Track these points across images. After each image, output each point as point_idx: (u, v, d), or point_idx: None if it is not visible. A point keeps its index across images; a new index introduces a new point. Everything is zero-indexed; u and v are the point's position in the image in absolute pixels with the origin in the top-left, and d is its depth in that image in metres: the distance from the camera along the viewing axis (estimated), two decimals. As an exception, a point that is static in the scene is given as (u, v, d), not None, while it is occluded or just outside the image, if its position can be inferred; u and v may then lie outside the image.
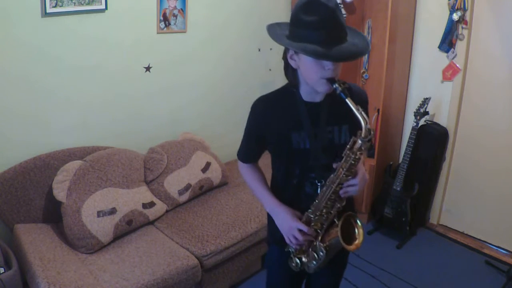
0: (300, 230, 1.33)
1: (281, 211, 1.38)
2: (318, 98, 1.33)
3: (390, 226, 3.02)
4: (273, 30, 1.28)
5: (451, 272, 2.67)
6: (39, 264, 1.84)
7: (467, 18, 2.72)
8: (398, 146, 3.34)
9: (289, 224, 1.35)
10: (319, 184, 1.36)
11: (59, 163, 2.24)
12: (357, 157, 1.22)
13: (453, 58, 2.86)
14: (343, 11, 3.04)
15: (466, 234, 3.05)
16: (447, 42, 2.85)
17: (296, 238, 1.35)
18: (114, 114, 2.58)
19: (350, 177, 1.27)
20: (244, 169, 1.54)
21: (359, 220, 1.35)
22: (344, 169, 1.25)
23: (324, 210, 1.32)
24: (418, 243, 3.00)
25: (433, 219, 3.22)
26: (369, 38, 3.22)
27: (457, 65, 2.85)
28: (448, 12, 2.78)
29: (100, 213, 2.13)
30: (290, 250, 1.45)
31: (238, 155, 1.53)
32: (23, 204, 2.15)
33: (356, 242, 1.32)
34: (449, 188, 3.12)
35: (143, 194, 2.38)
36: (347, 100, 1.18)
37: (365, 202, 3.18)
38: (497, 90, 2.74)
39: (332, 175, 1.28)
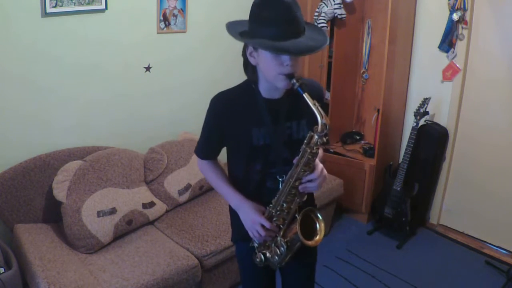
0: (263, 226, 1.33)
1: (245, 206, 1.39)
2: (277, 95, 1.35)
3: (390, 226, 3.02)
4: (233, 27, 1.31)
5: (451, 272, 2.67)
6: (39, 264, 1.84)
7: (467, 18, 2.72)
8: (398, 146, 3.34)
9: (252, 218, 1.36)
10: (280, 179, 1.36)
11: (59, 163, 2.24)
12: (314, 151, 1.24)
13: (453, 58, 2.86)
14: (343, 11, 3.04)
15: (466, 234, 3.05)
16: (447, 42, 2.85)
17: (258, 233, 1.35)
18: (114, 114, 2.58)
19: (307, 172, 1.28)
20: (204, 166, 1.52)
21: (320, 215, 1.36)
22: (302, 164, 1.26)
23: (285, 205, 1.32)
24: (418, 243, 3.00)
25: (433, 219, 3.22)
26: (369, 38, 3.22)
27: (457, 65, 2.85)
28: (448, 12, 2.78)
29: (100, 213, 2.13)
30: (254, 245, 1.45)
31: (196, 152, 1.51)
32: (23, 204, 2.15)
33: (316, 238, 1.33)
34: (449, 188, 3.12)
35: (143, 194, 2.38)
36: (304, 95, 1.19)
37: (365, 202, 3.18)
38: (497, 90, 2.74)
39: (290, 170, 1.29)
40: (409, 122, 3.15)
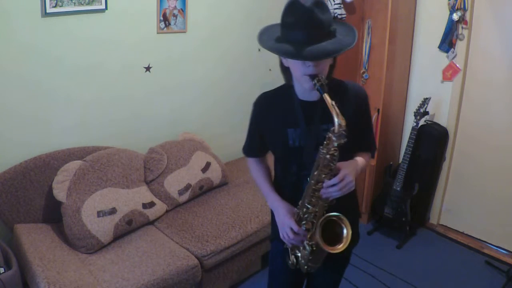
0: (292, 229, 1.34)
1: (280, 206, 1.40)
2: (313, 97, 1.35)
3: (390, 226, 3.02)
4: (270, 31, 1.32)
5: (451, 272, 2.67)
6: (39, 264, 1.84)
7: (467, 18, 2.72)
8: (398, 146, 3.34)
9: (283, 221, 1.37)
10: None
11: (59, 163, 2.24)
12: (331, 153, 1.22)
13: (453, 58, 2.86)
14: (343, 11, 3.04)
15: (466, 234, 3.05)
16: (447, 42, 2.85)
17: (288, 235, 1.35)
18: (114, 114, 2.58)
19: (329, 175, 1.25)
20: (249, 162, 1.58)
21: (347, 223, 1.30)
22: (321, 166, 1.25)
23: (310, 208, 1.31)
24: (418, 243, 3.00)
25: (433, 219, 3.22)
26: (369, 38, 3.22)
27: (457, 65, 2.85)
28: (448, 12, 2.79)
29: (100, 213, 2.13)
30: (287, 247, 1.46)
31: (243, 149, 1.57)
32: (23, 204, 2.15)
33: (339, 246, 1.29)
34: (449, 188, 3.12)
35: (143, 194, 2.38)
36: (324, 95, 1.19)
37: (365, 202, 3.18)
38: (497, 90, 2.74)
39: (311, 172, 1.28)
40: (409, 122, 3.15)
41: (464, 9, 2.70)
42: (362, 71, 3.33)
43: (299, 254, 1.42)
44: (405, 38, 3.01)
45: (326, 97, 1.19)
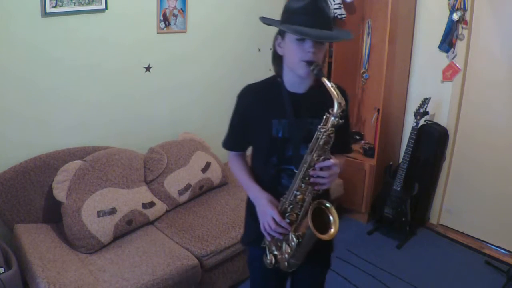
0: (274, 220, 1.33)
1: (262, 197, 1.39)
2: (301, 90, 1.37)
3: (390, 226, 3.02)
4: (267, 18, 1.38)
5: (451, 272, 2.67)
6: (39, 264, 1.84)
7: (467, 18, 2.72)
8: (398, 146, 3.34)
9: (265, 210, 1.36)
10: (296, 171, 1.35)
11: (59, 163, 2.24)
12: (329, 132, 1.23)
13: (453, 58, 2.86)
14: (343, 11, 3.04)
15: (466, 234, 3.05)
16: (447, 42, 2.85)
17: (269, 226, 1.34)
18: (114, 114, 2.58)
19: (322, 157, 1.26)
20: (230, 157, 1.57)
21: (332, 207, 1.31)
22: (316, 149, 1.25)
23: (298, 196, 1.30)
24: (418, 243, 3.00)
25: (433, 219, 3.22)
26: (369, 38, 3.22)
27: (457, 65, 2.85)
28: (448, 12, 2.79)
29: (100, 213, 2.13)
30: (265, 245, 1.44)
31: (223, 143, 1.55)
32: (23, 204, 2.15)
33: (331, 231, 1.28)
34: (449, 188, 3.12)
35: (143, 194, 2.38)
36: (323, 79, 1.23)
37: (365, 202, 3.18)
38: (497, 90, 2.74)
39: (305, 156, 1.28)
40: (409, 122, 3.15)
41: (464, 9, 2.70)
42: (362, 71, 3.33)
43: (276, 253, 1.41)
44: (405, 38, 3.02)
45: (325, 80, 1.23)
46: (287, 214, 1.34)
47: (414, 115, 2.84)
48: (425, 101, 2.84)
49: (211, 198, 2.68)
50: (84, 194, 2.16)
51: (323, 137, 1.24)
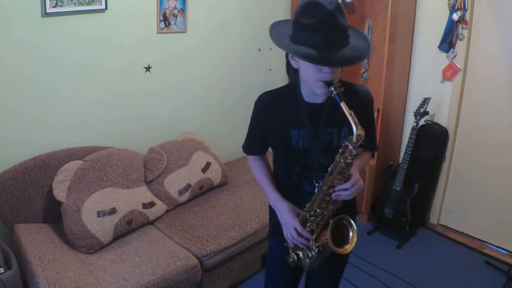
0: (296, 229, 1.34)
1: (282, 206, 1.40)
2: (319, 99, 1.34)
3: (390, 226, 3.02)
4: (277, 28, 1.28)
5: (451, 272, 2.67)
6: (39, 264, 1.84)
7: (467, 18, 2.72)
8: (398, 146, 3.34)
9: (286, 220, 1.37)
10: (316, 184, 1.36)
11: (59, 163, 2.24)
12: (348, 161, 1.22)
13: (453, 58, 2.86)
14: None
15: (466, 234, 3.05)
16: (447, 42, 2.85)
17: (292, 235, 1.36)
18: (114, 114, 2.58)
19: (342, 181, 1.26)
20: (251, 161, 1.57)
21: (354, 223, 1.33)
22: (335, 173, 1.25)
23: (318, 211, 1.32)
24: (418, 243, 3.00)
25: (433, 219, 3.22)
26: (369, 38, 3.22)
27: (457, 65, 2.85)
28: (448, 12, 2.79)
29: (100, 213, 2.13)
30: (288, 245, 1.46)
31: (243, 147, 1.55)
32: (23, 204, 2.15)
33: (347, 246, 1.31)
34: (449, 188, 3.12)
35: (143, 194, 2.38)
36: (341, 104, 1.17)
37: (365, 202, 3.18)
38: (497, 90, 2.74)
39: (325, 178, 1.28)
40: (409, 122, 3.15)
41: (464, 9, 2.70)
42: (362, 71, 3.33)
43: (300, 253, 1.42)
44: (405, 38, 3.01)
45: (344, 106, 1.17)
46: (308, 224, 1.35)
47: (414, 115, 2.84)
48: (425, 101, 2.84)
49: (211, 198, 2.68)
50: (84, 194, 2.16)
51: (342, 165, 1.23)
